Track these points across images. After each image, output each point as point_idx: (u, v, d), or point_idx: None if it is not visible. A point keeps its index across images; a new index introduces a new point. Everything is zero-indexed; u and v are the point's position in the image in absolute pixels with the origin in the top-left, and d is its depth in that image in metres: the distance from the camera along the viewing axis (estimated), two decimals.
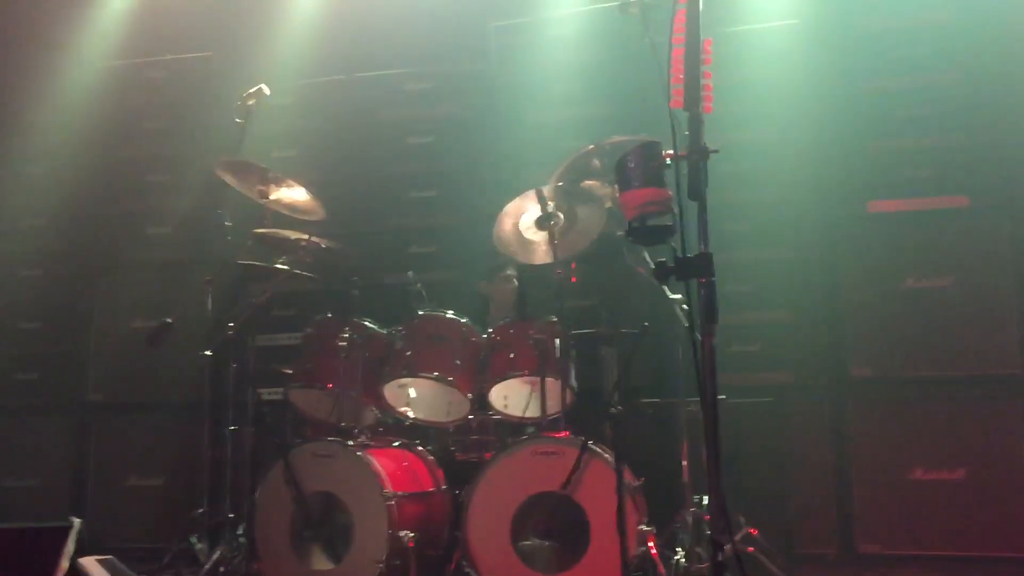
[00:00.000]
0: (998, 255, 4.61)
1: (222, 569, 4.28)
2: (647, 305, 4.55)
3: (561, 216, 4.29)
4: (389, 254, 5.44)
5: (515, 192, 4.48)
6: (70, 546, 3.32)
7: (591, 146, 4.30)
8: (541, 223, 4.33)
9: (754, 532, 4.27)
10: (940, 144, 4.81)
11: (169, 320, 4.51)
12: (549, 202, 4.26)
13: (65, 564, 3.26)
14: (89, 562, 3.11)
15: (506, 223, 4.45)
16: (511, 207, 4.42)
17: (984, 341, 4.54)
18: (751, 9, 5.11)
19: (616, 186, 2.60)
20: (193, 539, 4.49)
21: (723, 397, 2.83)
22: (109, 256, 5.73)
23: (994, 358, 4.52)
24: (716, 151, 2.46)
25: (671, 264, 2.42)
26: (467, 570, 3.91)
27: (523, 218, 4.41)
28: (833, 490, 4.65)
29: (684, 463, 4.26)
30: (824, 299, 4.83)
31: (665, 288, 4.18)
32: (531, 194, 4.28)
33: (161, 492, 5.30)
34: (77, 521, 3.43)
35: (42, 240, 5.81)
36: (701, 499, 4.16)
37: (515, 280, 4.82)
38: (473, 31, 5.63)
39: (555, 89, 5.34)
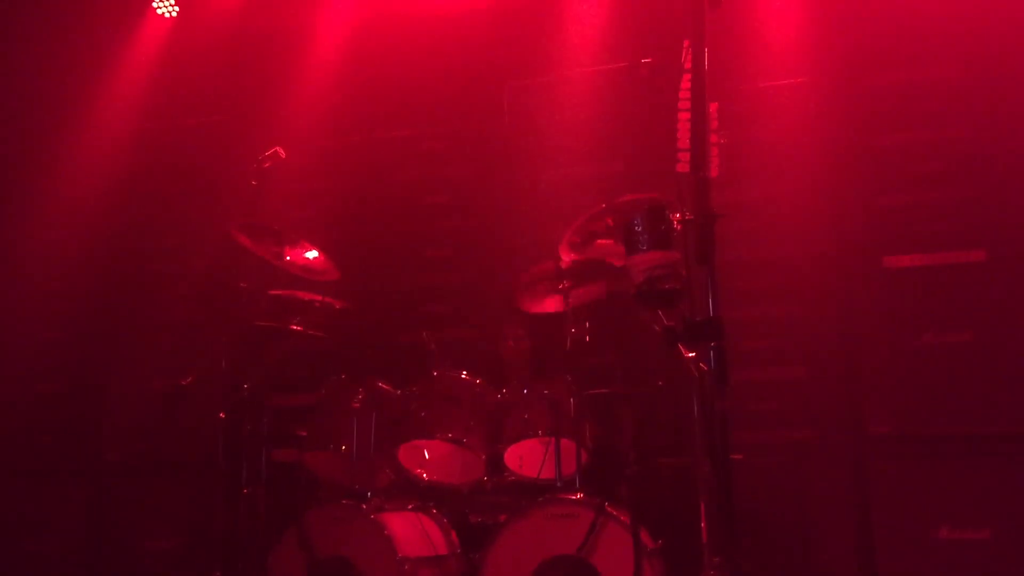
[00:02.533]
0: (1017, 309, 4.55)
1: None
2: (662, 363, 4.52)
3: (573, 275, 4.29)
4: (403, 313, 5.45)
5: (528, 250, 4.48)
6: None
7: (603, 205, 4.31)
8: (555, 281, 4.33)
9: None
10: (956, 198, 4.78)
11: (184, 382, 4.52)
12: (563, 260, 4.26)
13: None
14: None
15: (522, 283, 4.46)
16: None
17: (1005, 397, 4.46)
18: (762, 67, 5.13)
19: (624, 249, 2.59)
20: None
21: (739, 456, 2.80)
22: (127, 318, 5.76)
23: (1015, 414, 4.44)
24: (723, 215, 2.45)
25: (680, 328, 2.40)
26: None
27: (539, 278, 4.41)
28: (855, 550, 4.55)
29: (703, 524, 4.18)
30: (841, 355, 4.77)
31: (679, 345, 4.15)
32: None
33: (176, 555, 5.26)
34: None
35: (61, 303, 5.85)
36: (721, 561, 4.07)
37: (523, 339, 4.81)
38: (487, 91, 5.69)
39: (568, 148, 5.38)
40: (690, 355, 4.12)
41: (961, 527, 4.39)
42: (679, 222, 2.50)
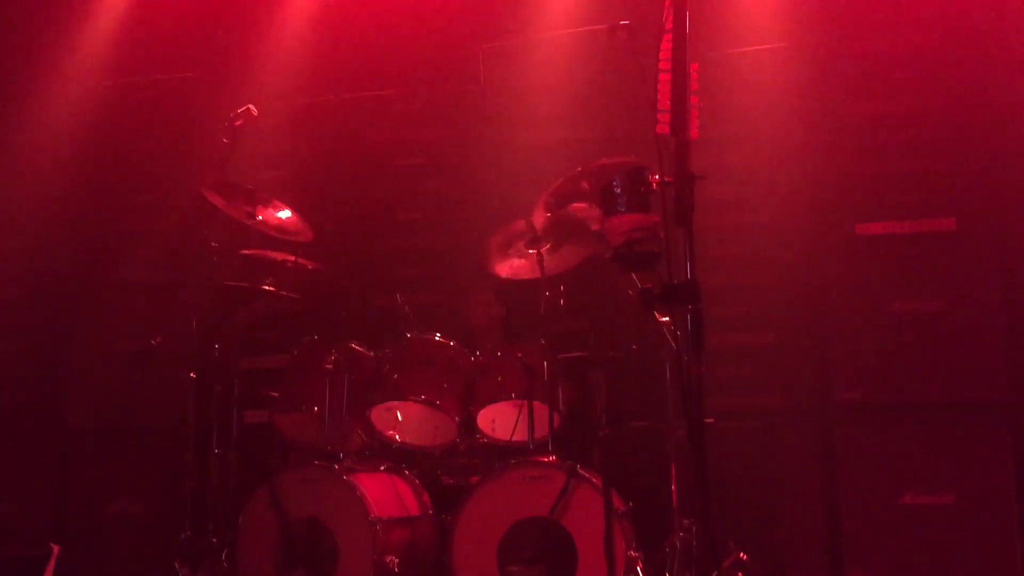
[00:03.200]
0: (986, 278, 4.60)
1: None
2: (635, 327, 4.54)
3: (548, 238, 4.28)
4: (377, 276, 5.41)
5: (503, 213, 4.45)
6: (49, 574, 3.27)
7: (579, 168, 4.29)
8: (529, 245, 4.31)
9: (744, 557, 4.24)
10: (928, 167, 4.81)
11: (154, 342, 4.47)
12: (537, 224, 4.25)
13: None
14: None
15: (495, 246, 4.43)
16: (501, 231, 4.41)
17: (973, 365, 4.52)
18: (739, 32, 5.11)
19: (602, 210, 2.57)
20: (177, 564, 4.43)
21: (711, 421, 2.82)
22: (95, 277, 5.66)
23: (982, 382, 4.50)
24: (703, 177, 2.44)
25: (657, 291, 2.40)
26: None
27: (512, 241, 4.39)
28: (821, 515, 4.62)
29: (673, 487, 4.22)
30: (811, 322, 4.81)
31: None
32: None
33: (144, 517, 5.22)
34: (56, 548, 3.38)
35: (24, 260, 5.74)
36: (691, 524, 4.12)
37: (496, 303, 4.81)
38: (462, 52, 5.63)
39: (544, 111, 5.33)
40: (664, 319, 4.17)
41: (925, 492, 4.46)
42: (657, 184, 2.48)
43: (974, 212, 4.69)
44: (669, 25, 2.50)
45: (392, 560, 3.89)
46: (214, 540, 4.40)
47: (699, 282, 2.42)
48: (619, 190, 2.48)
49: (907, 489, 4.47)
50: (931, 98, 4.83)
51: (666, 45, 2.49)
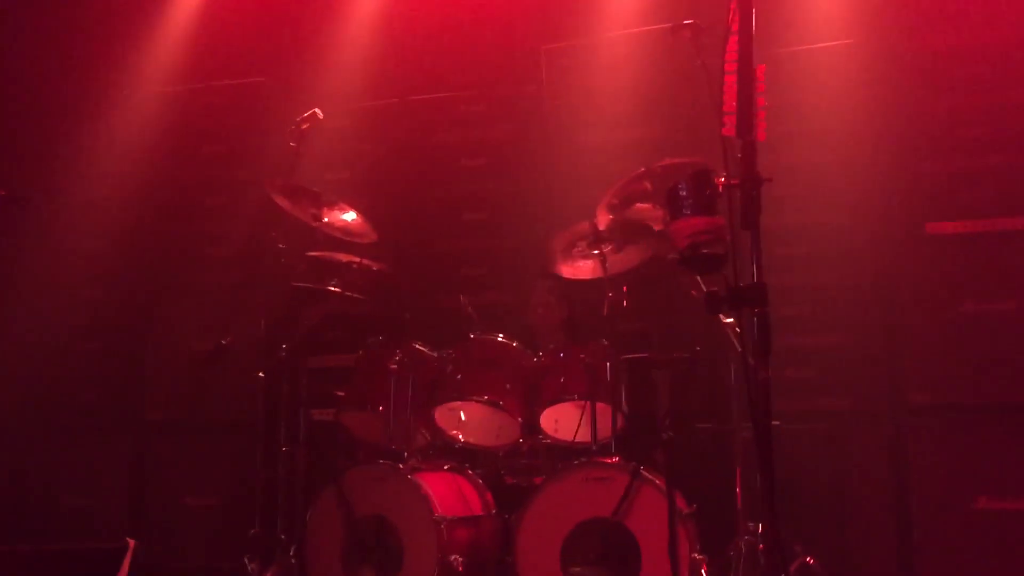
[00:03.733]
0: None
1: None
2: (700, 328, 4.50)
3: (611, 239, 4.27)
4: (440, 276, 5.46)
5: (566, 214, 4.45)
6: (125, 568, 3.36)
7: (642, 169, 4.28)
8: (591, 246, 4.31)
9: (811, 561, 4.19)
10: (1000, 164, 4.70)
11: (224, 341, 4.57)
12: (599, 224, 4.25)
13: None
14: None
15: (558, 247, 4.44)
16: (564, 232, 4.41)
17: None
18: (806, 29, 5.05)
19: (667, 213, 2.56)
20: (246, 560, 4.53)
21: (777, 423, 2.78)
22: (167, 278, 5.82)
23: None
24: (770, 180, 2.42)
25: (723, 294, 2.38)
26: None
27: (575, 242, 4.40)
28: (893, 519, 4.54)
29: (738, 490, 4.19)
30: (881, 323, 4.73)
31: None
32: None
33: (215, 512, 5.35)
34: (132, 542, 3.48)
35: (103, 262, 5.92)
36: (756, 527, 4.08)
37: (558, 303, 4.81)
38: (525, 54, 5.64)
39: (606, 111, 5.33)
40: (728, 321, 4.13)
41: (1000, 497, 4.36)
42: (723, 187, 2.46)
43: None
44: (735, 26, 2.48)
45: (456, 559, 3.92)
46: (282, 536, 4.49)
47: (766, 285, 2.39)
48: (684, 193, 2.47)
49: (981, 494, 4.37)
50: (1003, 94, 4.73)
51: (732, 46, 2.47)
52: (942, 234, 4.70)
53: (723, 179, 2.47)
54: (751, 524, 4.12)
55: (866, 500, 4.56)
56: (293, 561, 4.32)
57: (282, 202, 4.58)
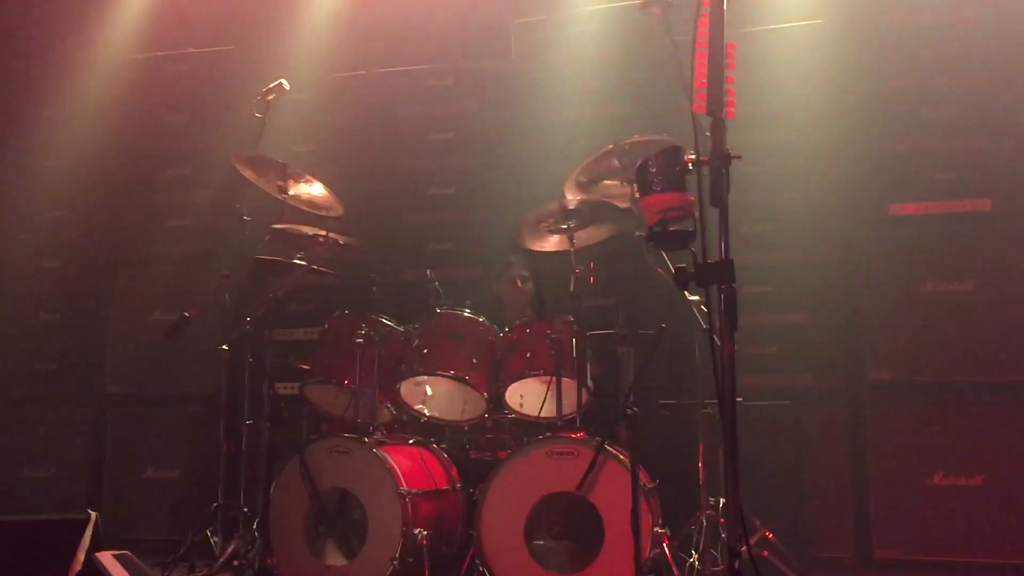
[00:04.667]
0: (1019, 259, 4.56)
1: (236, 563, 4.31)
2: (665, 305, 4.54)
3: (578, 215, 4.28)
4: (407, 251, 5.44)
5: (534, 189, 4.44)
6: (86, 540, 3.34)
7: (610, 146, 4.28)
8: (559, 221, 4.31)
9: (770, 535, 4.26)
10: (964, 146, 4.76)
11: (187, 313, 4.52)
12: (567, 200, 4.25)
13: (81, 558, 3.27)
14: (106, 557, 3.12)
15: (526, 222, 4.44)
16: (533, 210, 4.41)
17: (1005, 346, 4.49)
18: (774, 9, 5.06)
19: (636, 189, 2.57)
20: (208, 532, 4.51)
21: (740, 399, 2.81)
22: (128, 249, 5.76)
23: (1014, 363, 4.47)
24: (739, 157, 2.43)
25: (691, 269, 2.40)
26: (480, 569, 3.92)
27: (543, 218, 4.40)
28: (850, 494, 4.62)
29: (700, 465, 4.24)
30: (843, 302, 4.80)
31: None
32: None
33: (177, 485, 5.33)
34: (94, 514, 3.45)
35: (63, 232, 5.84)
36: (717, 501, 4.14)
37: (527, 278, 4.83)
38: (494, 28, 5.61)
39: (575, 87, 5.32)
40: (694, 298, 4.17)
41: (955, 473, 4.45)
42: (693, 164, 2.47)
43: (1010, 192, 4.64)
44: (706, 3, 2.48)
45: (421, 532, 3.94)
46: (245, 509, 4.48)
47: (733, 261, 2.41)
48: (654, 169, 2.48)
49: (937, 469, 4.46)
50: (968, 76, 4.79)
51: (703, 23, 2.48)
52: (905, 215, 4.76)
53: (693, 156, 2.48)
54: (712, 499, 4.17)
55: (825, 475, 4.64)
56: (256, 534, 4.32)
57: (247, 174, 4.54)
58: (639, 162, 2.54)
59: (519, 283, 4.85)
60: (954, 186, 4.73)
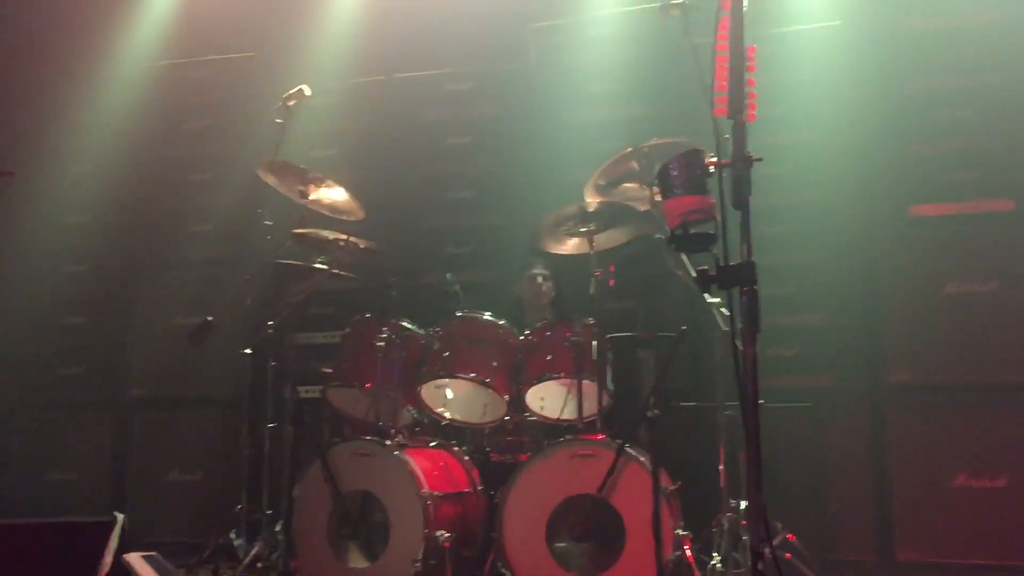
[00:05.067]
0: None
1: (259, 565, 4.34)
2: (685, 308, 4.54)
3: (598, 218, 4.29)
4: (427, 254, 5.46)
5: (553, 192, 4.45)
6: (114, 542, 3.37)
7: (629, 148, 4.29)
8: (578, 225, 4.32)
9: (792, 538, 4.25)
10: (985, 147, 4.74)
11: (210, 318, 4.56)
12: (586, 203, 4.26)
13: (109, 559, 3.31)
14: (134, 558, 3.15)
15: (546, 226, 4.45)
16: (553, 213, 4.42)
17: None
18: (793, 10, 5.05)
19: (657, 192, 2.58)
20: (232, 535, 4.55)
21: (761, 401, 2.80)
22: (152, 254, 5.82)
23: None
24: (760, 159, 2.44)
25: (713, 272, 2.41)
26: (502, 571, 3.93)
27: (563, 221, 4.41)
28: (872, 496, 4.61)
29: (721, 467, 4.23)
30: (864, 303, 4.79)
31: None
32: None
33: (200, 487, 5.37)
34: (121, 516, 3.49)
35: (87, 237, 5.90)
36: (738, 504, 4.14)
37: (547, 281, 4.83)
38: (512, 32, 5.62)
39: (594, 90, 5.33)
40: (714, 300, 4.16)
41: (978, 475, 4.43)
42: (714, 166, 2.48)
43: None
44: (727, 6, 2.49)
45: (442, 535, 3.95)
46: (269, 512, 4.51)
47: (755, 263, 2.42)
48: (675, 172, 2.48)
49: (959, 472, 4.44)
50: (989, 76, 4.76)
51: (723, 26, 2.48)
52: (925, 215, 4.74)
53: (714, 158, 2.48)
54: (734, 501, 4.17)
55: (846, 478, 4.63)
56: (279, 536, 4.34)
57: (269, 179, 4.57)
58: (660, 165, 2.55)
59: (539, 285, 4.87)
60: (976, 187, 4.70)
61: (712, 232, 2.48)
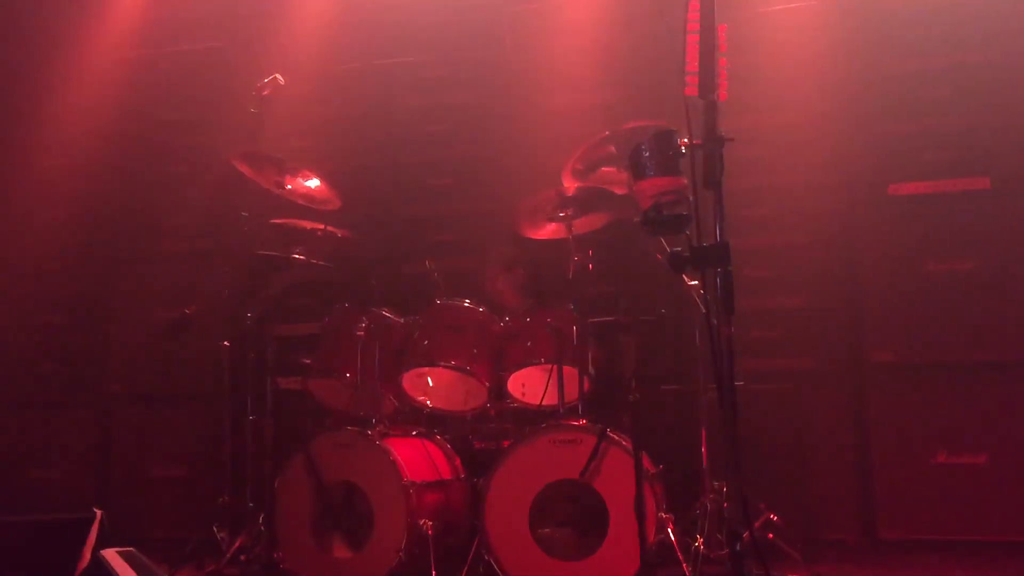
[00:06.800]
0: (1020, 237, 4.54)
1: (243, 558, 4.32)
2: (665, 291, 4.53)
3: (575, 203, 4.27)
4: (406, 243, 5.43)
5: (531, 178, 4.43)
6: (92, 537, 3.35)
7: (606, 132, 4.27)
8: (556, 209, 4.31)
9: (774, 518, 4.26)
10: (962, 125, 4.75)
11: (187, 311, 4.53)
12: (564, 188, 4.25)
13: (87, 556, 3.28)
14: (111, 555, 3.13)
15: (523, 211, 4.44)
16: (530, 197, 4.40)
17: (1006, 325, 4.48)
18: None
19: (631, 174, 2.56)
20: (215, 528, 4.53)
21: (741, 383, 2.82)
22: (128, 248, 5.76)
23: (1016, 342, 4.46)
24: (731, 139, 2.43)
25: (687, 254, 2.40)
26: (486, 558, 3.93)
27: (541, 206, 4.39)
28: (854, 475, 4.63)
29: (703, 450, 4.24)
30: (843, 283, 4.79)
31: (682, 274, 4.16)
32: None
33: (183, 482, 5.33)
34: (99, 512, 3.46)
35: (61, 233, 5.84)
36: (721, 485, 4.14)
37: (516, 265, 4.81)
38: (488, 17, 5.58)
39: (570, 74, 5.30)
40: (693, 283, 4.17)
41: (958, 452, 4.45)
42: (686, 147, 2.47)
43: (1008, 171, 4.63)
44: None
45: (426, 523, 3.95)
46: (251, 504, 4.49)
47: (729, 244, 2.41)
48: (647, 154, 2.47)
49: (940, 449, 4.46)
50: (966, 55, 4.77)
51: (694, 6, 2.47)
52: (904, 195, 4.75)
53: (686, 139, 2.47)
54: (716, 483, 4.18)
55: (828, 457, 4.65)
56: (262, 529, 4.32)
57: (244, 169, 4.53)
58: (632, 147, 2.53)
59: (507, 270, 4.84)
60: (953, 165, 4.71)
61: (685, 213, 2.47)
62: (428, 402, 4.46)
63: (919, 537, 4.44)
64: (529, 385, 4.34)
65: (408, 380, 4.40)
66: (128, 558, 3.12)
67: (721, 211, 2.42)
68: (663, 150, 2.46)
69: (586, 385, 4.15)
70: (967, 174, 4.70)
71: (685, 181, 2.49)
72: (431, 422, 4.53)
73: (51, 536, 3.47)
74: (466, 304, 4.40)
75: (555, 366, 4.10)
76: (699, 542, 4.01)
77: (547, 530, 3.91)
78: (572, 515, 3.89)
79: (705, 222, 2.50)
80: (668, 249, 3.77)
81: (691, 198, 2.47)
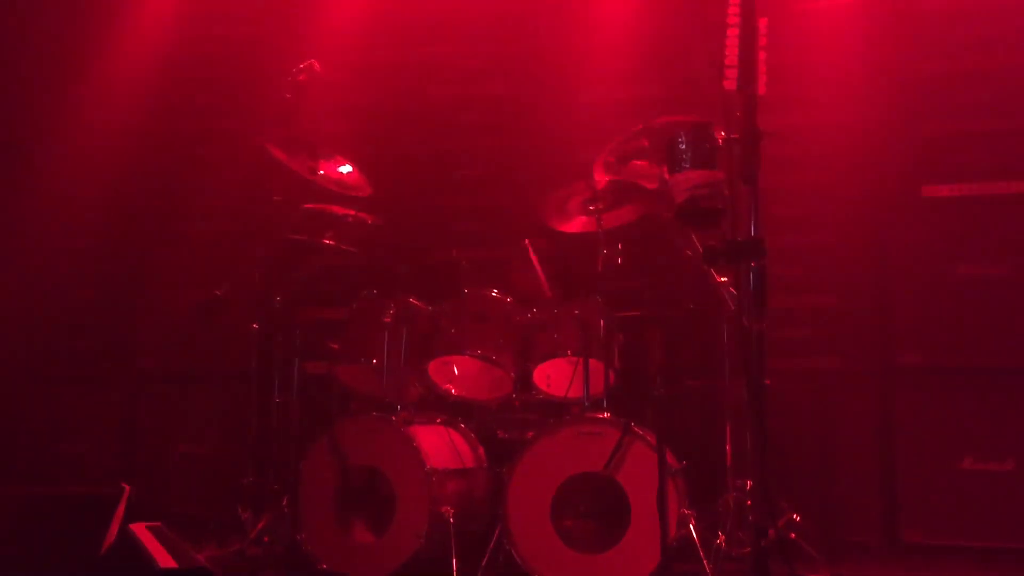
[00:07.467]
0: None
1: (266, 539, 4.35)
2: (693, 287, 4.52)
3: (606, 196, 4.27)
4: (434, 231, 5.45)
5: (563, 170, 4.42)
6: (120, 512, 3.38)
7: (640, 126, 4.26)
8: (587, 203, 4.30)
9: (796, 518, 4.24)
10: (999, 128, 4.70)
11: (218, 292, 4.57)
12: (595, 182, 4.24)
13: (115, 530, 3.32)
14: (139, 529, 3.17)
15: (553, 203, 4.43)
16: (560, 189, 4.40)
17: None
18: None
19: (666, 167, 2.56)
20: (239, 508, 4.57)
21: (768, 382, 2.80)
22: (161, 228, 5.81)
23: None
24: (771, 134, 2.42)
25: (721, 247, 2.39)
26: (507, 547, 3.94)
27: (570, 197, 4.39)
28: (878, 477, 4.60)
29: (727, 447, 4.23)
30: (874, 284, 4.76)
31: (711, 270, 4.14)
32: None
33: (209, 461, 5.39)
34: (127, 487, 3.50)
35: (97, 212, 5.89)
36: (744, 483, 4.13)
37: (534, 257, 4.80)
38: (525, 8, 5.58)
39: (604, 68, 5.29)
40: (722, 279, 4.15)
41: (985, 458, 4.41)
42: (723, 141, 2.46)
43: None
44: None
45: (447, 510, 3.97)
46: (276, 486, 4.53)
47: (763, 238, 2.40)
48: (684, 146, 2.47)
49: (967, 454, 4.43)
50: (1003, 56, 4.72)
51: (735, 0, 2.46)
52: (938, 197, 4.71)
53: (723, 133, 2.46)
54: (739, 480, 4.16)
55: (853, 458, 4.62)
56: (286, 510, 4.36)
57: (278, 154, 4.55)
58: (669, 139, 2.53)
59: (529, 261, 4.83)
60: (989, 168, 4.66)
61: (720, 207, 2.47)
62: (453, 390, 4.48)
63: (942, 542, 4.41)
64: (554, 377, 4.34)
65: (434, 367, 4.41)
66: (156, 532, 3.16)
67: (756, 206, 2.41)
68: (700, 143, 2.46)
69: (611, 378, 4.15)
70: (1002, 177, 4.65)
71: (721, 175, 2.49)
72: (455, 410, 4.55)
73: (79, 510, 3.51)
74: (494, 294, 4.40)
75: (581, 358, 4.09)
76: (720, 539, 4.00)
77: (568, 522, 3.92)
78: (594, 508, 3.89)
79: (739, 217, 2.49)
80: (698, 245, 3.79)
81: (726, 192, 2.46)
